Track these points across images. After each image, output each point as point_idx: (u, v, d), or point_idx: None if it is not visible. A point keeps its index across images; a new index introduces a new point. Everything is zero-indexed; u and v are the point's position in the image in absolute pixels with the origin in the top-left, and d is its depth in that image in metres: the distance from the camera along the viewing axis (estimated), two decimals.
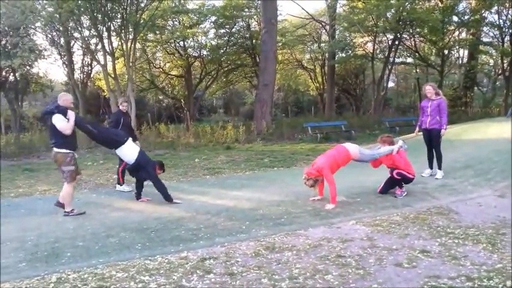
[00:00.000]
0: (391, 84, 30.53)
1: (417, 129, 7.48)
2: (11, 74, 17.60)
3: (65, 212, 5.59)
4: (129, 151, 6.06)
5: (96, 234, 4.65)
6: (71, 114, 5.44)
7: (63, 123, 5.34)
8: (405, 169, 5.97)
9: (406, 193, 5.98)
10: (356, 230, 4.48)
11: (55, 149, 5.46)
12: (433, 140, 7.09)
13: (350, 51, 22.77)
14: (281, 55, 24.37)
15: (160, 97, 25.66)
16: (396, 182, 6.03)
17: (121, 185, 7.20)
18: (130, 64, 15.27)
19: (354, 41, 22.97)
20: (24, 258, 3.99)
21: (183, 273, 3.49)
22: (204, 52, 22.25)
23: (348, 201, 5.72)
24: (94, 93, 22.97)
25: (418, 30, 20.50)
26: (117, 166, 7.31)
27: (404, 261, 3.59)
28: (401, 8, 17.71)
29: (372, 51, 22.50)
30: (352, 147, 5.96)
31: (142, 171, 6.06)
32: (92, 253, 4.06)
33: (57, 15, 13.87)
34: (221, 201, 6.09)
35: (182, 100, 23.01)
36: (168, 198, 5.97)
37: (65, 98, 5.59)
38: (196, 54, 22.36)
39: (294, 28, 24.22)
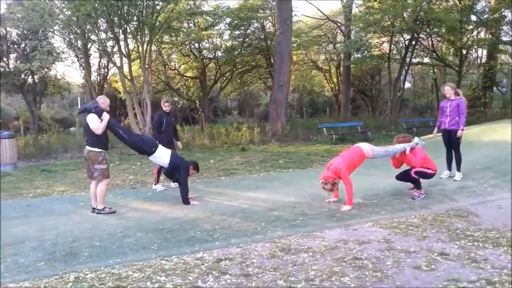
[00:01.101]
0: (407, 84, 30.09)
1: (436, 129, 7.34)
2: (30, 76, 17.94)
3: (97, 209, 5.74)
4: (161, 157, 6.18)
5: (113, 234, 4.69)
6: (106, 116, 5.64)
7: (95, 123, 5.53)
8: (423, 166, 5.88)
9: (424, 195, 5.87)
10: (373, 232, 4.42)
11: (88, 147, 5.65)
12: (452, 140, 6.96)
13: (366, 52, 22.56)
14: (296, 56, 24.31)
15: (175, 99, 25.82)
16: (413, 180, 5.94)
17: (155, 185, 7.35)
18: (146, 66, 15.41)
19: (369, 41, 22.76)
20: (42, 257, 4.05)
21: (198, 274, 3.50)
22: (219, 54, 22.35)
23: (365, 203, 5.66)
24: (110, 95, 23.14)
25: (435, 30, 20.19)
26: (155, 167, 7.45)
27: (423, 264, 3.53)
28: (418, 8, 17.47)
29: (388, 51, 22.27)
30: (365, 146, 5.94)
31: (176, 173, 6.20)
32: (109, 253, 4.10)
33: (75, 18, 14.07)
34: (236, 202, 6.09)
35: (197, 101, 23.14)
36: (186, 202, 6.04)
37: (103, 101, 5.82)
38: (211, 56, 22.47)
39: (309, 29, 24.14)
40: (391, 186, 6.40)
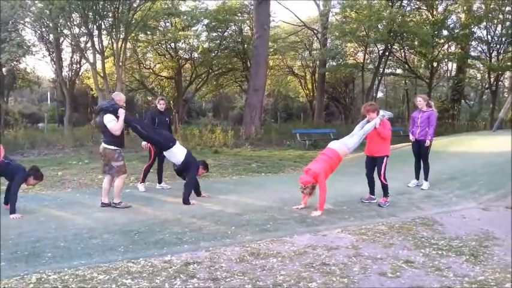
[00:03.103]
0: (380, 94, 30.82)
1: (411, 137, 7.35)
2: None
3: (113, 203, 5.81)
4: (177, 153, 6.18)
5: (78, 235, 4.56)
6: (121, 112, 5.68)
7: (112, 124, 5.62)
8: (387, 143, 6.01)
9: (389, 203, 5.98)
10: (341, 238, 4.48)
11: (104, 145, 5.73)
12: (421, 150, 7.15)
13: (341, 60, 22.96)
14: (272, 61, 24.47)
15: (149, 98, 25.49)
16: (383, 186, 6.01)
17: (140, 183, 7.24)
18: (120, 63, 15.16)
19: (345, 50, 23.17)
20: (4, 257, 3.89)
21: (166, 277, 3.44)
22: (195, 55, 22.21)
23: (334, 209, 5.73)
24: (82, 91, 22.73)
25: (408, 42, 20.77)
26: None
27: (389, 271, 3.59)
28: (392, 21, 17.94)
29: (362, 61, 22.72)
30: (339, 147, 5.85)
31: (187, 171, 6.19)
32: (73, 254, 3.98)
33: (47, 11, 13.70)
34: (207, 205, 6.04)
35: (171, 102, 22.91)
36: (186, 201, 6.01)
37: (119, 98, 5.93)
38: (187, 57, 22.31)
39: (286, 34, 24.35)
40: (360, 193, 6.49)
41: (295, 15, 24.43)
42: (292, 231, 4.73)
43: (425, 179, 7.16)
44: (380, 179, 5.99)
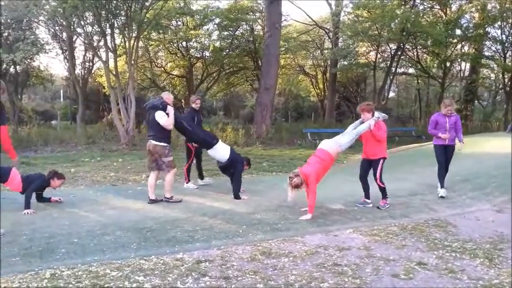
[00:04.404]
0: (391, 94, 30.58)
1: (444, 141, 6.70)
2: (12, 66, 17.57)
3: (165, 198, 6.00)
4: (222, 150, 6.35)
5: (91, 231, 4.61)
6: (170, 109, 5.92)
7: (164, 119, 5.85)
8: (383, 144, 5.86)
9: (389, 205, 5.86)
10: (353, 239, 4.45)
11: (153, 142, 5.91)
12: (449, 156, 6.77)
13: (352, 60, 22.82)
14: (283, 60, 24.41)
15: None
16: (380, 189, 5.88)
17: (186, 184, 7.36)
18: (132, 62, 15.24)
19: (356, 49, 23.03)
20: (18, 252, 3.95)
21: (178, 275, 3.46)
22: (207, 53, 22.25)
23: (346, 209, 5.70)
24: (94, 90, 22.92)
25: (421, 41, 20.56)
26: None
27: (401, 273, 3.56)
28: (405, 20, 17.77)
29: (374, 60, 22.56)
30: (330, 147, 5.63)
31: (233, 168, 6.32)
32: (86, 250, 4.03)
33: (61, 10, 13.83)
34: (218, 203, 6.06)
35: (182, 100, 22.98)
36: (237, 197, 6.22)
37: (167, 97, 6.17)
38: (199, 55, 22.36)
39: (297, 34, 24.27)
40: (372, 194, 6.44)
41: (307, 15, 24.33)
42: (303, 231, 4.72)
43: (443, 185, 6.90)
44: (376, 182, 5.84)
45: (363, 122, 5.86)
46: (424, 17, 19.74)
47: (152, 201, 6.00)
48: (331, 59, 22.87)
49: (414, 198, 6.45)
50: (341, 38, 22.65)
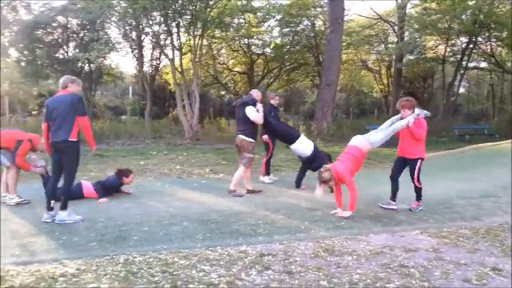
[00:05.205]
0: (461, 89, 28.83)
1: None
2: (87, 64, 18.82)
3: (229, 190, 6.26)
4: (304, 146, 6.53)
5: (160, 221, 4.85)
6: (260, 105, 6.20)
7: (254, 114, 6.14)
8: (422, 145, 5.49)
9: (421, 207, 5.50)
10: (421, 240, 4.29)
11: (242, 136, 6.21)
12: None
13: (419, 54, 21.81)
14: (345, 55, 23.90)
15: (222, 92, 26.16)
16: (416, 190, 5.51)
17: (263, 176, 7.56)
18: (197, 59, 15.71)
19: (424, 43, 21.97)
20: (95, 238, 4.26)
21: (242, 267, 3.54)
22: (268, 50, 22.38)
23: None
24: (161, 86, 23.90)
25: (495, 34, 19.17)
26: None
27: (473, 278, 3.38)
28: (478, 10, 16.65)
29: (443, 54, 21.41)
30: (361, 143, 5.45)
31: (316, 162, 6.34)
32: (156, 239, 4.24)
33: (131, 11, 14.57)
34: (280, 198, 6.12)
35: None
36: (298, 185, 6.47)
37: (257, 94, 6.48)
38: (260, 52, 22.55)
39: (360, 28, 23.65)
40: (440, 195, 6.17)
41: (371, 8, 23.63)
42: (367, 230, 4.63)
43: None
44: (414, 182, 5.48)
45: (402, 119, 5.55)
46: (500, 6, 18.36)
47: (249, 192, 6.29)
48: (396, 53, 22.01)
49: (486, 200, 6.06)
50: (407, 32, 21.72)
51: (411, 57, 22.33)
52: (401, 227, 4.77)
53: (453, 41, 21.28)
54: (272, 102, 7.45)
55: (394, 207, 5.52)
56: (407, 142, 5.49)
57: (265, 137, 7.29)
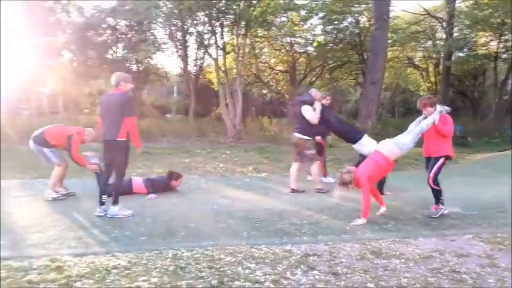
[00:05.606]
0: None
1: None
2: (135, 65, 19.45)
3: (316, 189, 6.38)
4: (368, 145, 6.33)
5: (206, 217, 4.96)
6: (318, 105, 6.23)
7: (310, 113, 6.17)
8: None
9: (444, 211, 5.14)
10: (473, 246, 4.12)
11: (297, 135, 6.29)
12: None
13: (469, 51, 20.86)
14: (391, 52, 23.25)
15: (264, 91, 26.22)
16: (434, 192, 5.16)
17: (325, 178, 7.48)
18: (240, 59, 15.85)
19: (474, 39, 20.99)
20: (144, 232, 4.41)
21: (287, 266, 3.55)
22: (310, 48, 22.20)
23: (464, 213, 5.27)
24: (204, 85, 24.30)
25: None
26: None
27: None
28: None
29: (495, 51, 20.36)
30: (388, 149, 5.15)
31: None
32: (202, 235, 4.34)
33: (177, 11, 14.93)
34: (323, 198, 6.07)
35: (286, 95, 23.28)
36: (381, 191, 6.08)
37: (315, 94, 6.46)
38: (302, 50, 22.41)
39: (407, 24, 22.92)
40: (494, 198, 5.89)
41: (418, 4, 22.83)
42: (415, 233, 4.49)
43: None
44: (428, 182, 5.16)
45: (426, 118, 5.29)
46: None
47: (293, 191, 6.29)
48: (444, 50, 21.15)
49: None
50: (456, 28, 20.82)
51: (461, 54, 21.41)
52: (452, 231, 4.59)
53: (506, 37, 20.18)
54: (323, 102, 7.37)
55: (445, 211, 5.27)
56: (432, 141, 5.27)
57: (318, 138, 7.24)
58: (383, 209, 5.11)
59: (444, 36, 21.79)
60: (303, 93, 7.21)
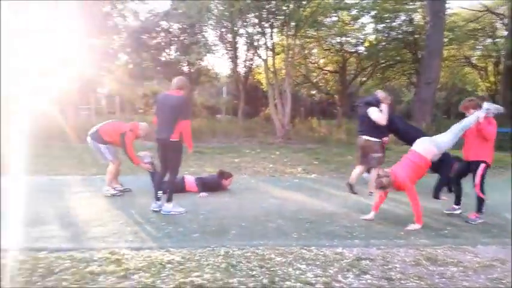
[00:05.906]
0: None
1: None
2: (186, 66, 19.97)
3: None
4: None
5: (256, 217, 5.01)
6: (384, 106, 6.15)
7: (376, 114, 6.08)
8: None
9: (480, 219, 4.92)
10: None
11: (365, 137, 6.21)
12: None
13: None
14: (447, 51, 22.25)
15: (313, 92, 26.02)
16: (478, 199, 4.93)
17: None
18: (289, 59, 15.83)
19: None
20: (197, 229, 4.53)
21: (339, 269, 3.52)
22: (361, 48, 21.75)
23: None
24: (253, 86, 24.50)
25: None
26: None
27: None
28: None
29: None
30: (425, 148, 4.98)
31: (443, 167, 6.18)
32: (253, 234, 4.40)
33: (227, 13, 15.15)
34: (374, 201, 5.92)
35: (336, 96, 22.97)
36: (436, 196, 6.13)
37: (382, 95, 6.28)
38: (353, 50, 22.00)
39: (464, 22, 21.85)
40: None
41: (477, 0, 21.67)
42: (474, 240, 4.30)
43: None
44: (475, 189, 4.93)
45: None
46: None
47: (370, 194, 6.20)
48: (505, 48, 19.93)
49: None
50: None
51: None
52: None
53: None
54: (384, 102, 7.21)
55: (457, 211, 5.28)
56: (472, 143, 5.06)
57: (386, 139, 7.09)
58: (371, 215, 4.99)
59: (505, 33, 20.54)
60: (366, 96, 7.00)
